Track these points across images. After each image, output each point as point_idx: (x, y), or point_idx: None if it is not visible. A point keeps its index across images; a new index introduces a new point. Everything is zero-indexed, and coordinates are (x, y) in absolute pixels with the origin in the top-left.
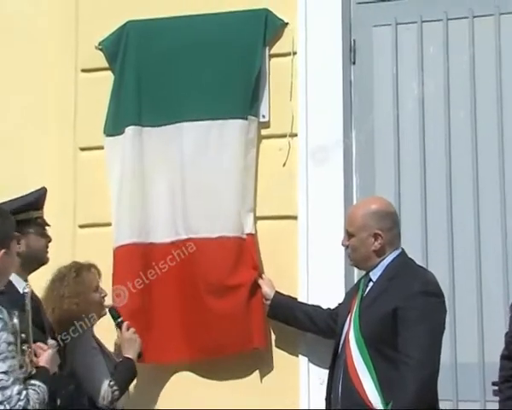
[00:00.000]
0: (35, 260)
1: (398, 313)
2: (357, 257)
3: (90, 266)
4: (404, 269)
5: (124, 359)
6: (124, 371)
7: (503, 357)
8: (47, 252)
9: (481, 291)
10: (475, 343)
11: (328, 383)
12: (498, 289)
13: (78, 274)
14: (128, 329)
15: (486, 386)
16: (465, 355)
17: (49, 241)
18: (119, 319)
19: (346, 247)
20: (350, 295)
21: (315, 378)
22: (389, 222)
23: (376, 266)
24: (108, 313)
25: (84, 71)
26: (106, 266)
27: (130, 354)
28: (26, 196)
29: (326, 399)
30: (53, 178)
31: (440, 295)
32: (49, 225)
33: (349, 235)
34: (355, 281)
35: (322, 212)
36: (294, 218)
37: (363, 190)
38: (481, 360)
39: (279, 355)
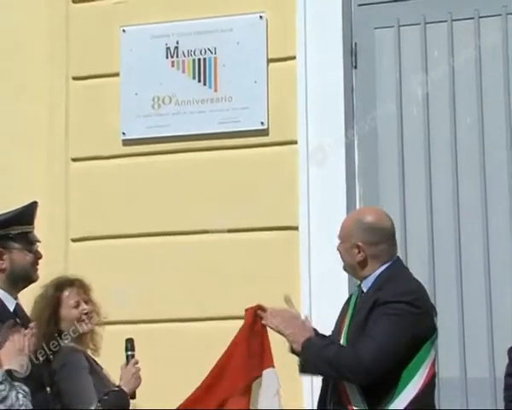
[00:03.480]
0: (21, 277)
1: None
2: (345, 265)
3: (73, 281)
4: (389, 281)
5: (119, 388)
6: (114, 400)
7: (508, 375)
8: (35, 269)
9: (491, 304)
10: (486, 358)
11: (320, 399)
12: (509, 302)
13: (61, 290)
14: (134, 365)
15: (498, 401)
16: (475, 370)
17: (39, 258)
18: (130, 353)
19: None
20: (344, 307)
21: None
22: (375, 237)
23: (367, 277)
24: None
25: (75, 79)
26: (101, 282)
27: (127, 388)
28: (14, 210)
29: None
30: (44, 189)
31: (418, 307)
32: (39, 241)
33: (340, 240)
34: None
35: (324, 222)
36: (295, 228)
37: (366, 199)
38: (492, 376)
39: (279, 358)
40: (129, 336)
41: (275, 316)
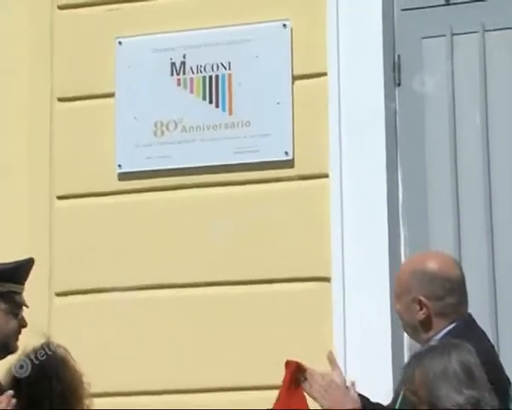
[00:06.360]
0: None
1: None
2: (404, 326)
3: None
4: None
5: None
6: None
7: None
8: (17, 339)
9: None
10: None
11: None
12: None
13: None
14: None
15: None
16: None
17: (23, 326)
18: None
19: None
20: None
21: None
22: (439, 289)
23: (430, 340)
24: None
25: (61, 100)
26: (88, 343)
27: None
28: (6, 263)
29: None
30: (24, 232)
31: None
32: (27, 306)
33: (396, 296)
34: (405, 356)
35: (362, 272)
36: (327, 280)
37: (414, 243)
38: None
39: None
40: None
41: (313, 381)
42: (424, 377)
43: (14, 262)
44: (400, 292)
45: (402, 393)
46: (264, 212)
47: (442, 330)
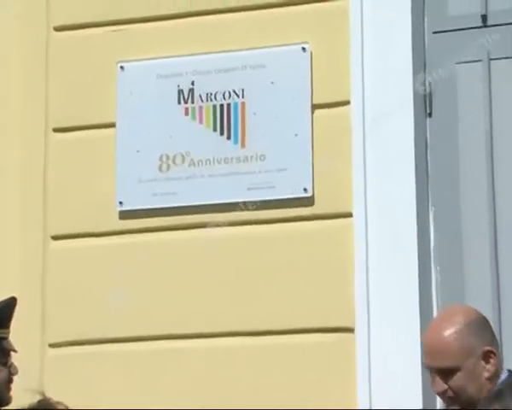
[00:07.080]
0: None
1: None
2: (465, 398)
3: None
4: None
5: None
6: None
7: None
8: (9, 389)
9: None
10: None
11: None
12: None
13: None
14: None
15: None
16: None
17: (14, 373)
18: None
19: (444, 392)
20: None
21: None
22: (489, 332)
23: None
24: None
25: (56, 131)
26: (85, 398)
27: None
28: None
29: None
30: (15, 276)
31: None
32: (15, 351)
33: (446, 373)
34: None
35: (389, 322)
36: (351, 331)
37: (446, 291)
38: None
39: None
40: None
41: None
42: None
43: None
44: (457, 362)
45: None
46: (281, 255)
47: (499, 376)
